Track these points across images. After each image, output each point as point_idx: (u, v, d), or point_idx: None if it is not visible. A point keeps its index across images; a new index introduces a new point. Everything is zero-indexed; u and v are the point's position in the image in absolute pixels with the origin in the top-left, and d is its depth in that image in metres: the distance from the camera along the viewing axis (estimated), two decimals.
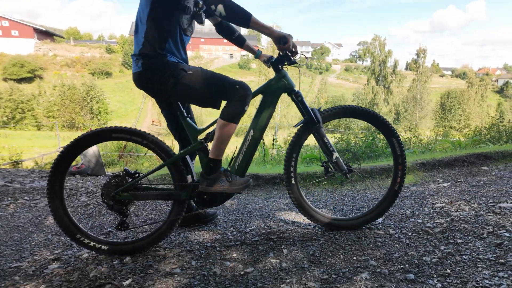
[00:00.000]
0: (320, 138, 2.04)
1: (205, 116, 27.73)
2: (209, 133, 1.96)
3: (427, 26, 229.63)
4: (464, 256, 1.70)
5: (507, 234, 1.86)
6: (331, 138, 6.86)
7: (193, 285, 1.59)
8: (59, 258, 1.92)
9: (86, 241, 1.90)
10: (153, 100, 2.25)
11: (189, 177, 2.02)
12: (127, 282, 1.63)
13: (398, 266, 1.66)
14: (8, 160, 11.65)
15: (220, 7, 1.72)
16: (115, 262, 1.83)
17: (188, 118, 1.99)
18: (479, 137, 6.53)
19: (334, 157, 2.03)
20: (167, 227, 1.95)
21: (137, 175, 1.93)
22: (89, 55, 51.66)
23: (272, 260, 1.80)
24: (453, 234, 1.95)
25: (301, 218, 2.39)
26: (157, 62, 1.79)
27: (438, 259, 1.69)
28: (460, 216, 2.19)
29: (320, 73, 67.10)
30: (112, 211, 1.92)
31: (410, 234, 2.03)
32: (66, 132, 28.90)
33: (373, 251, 1.84)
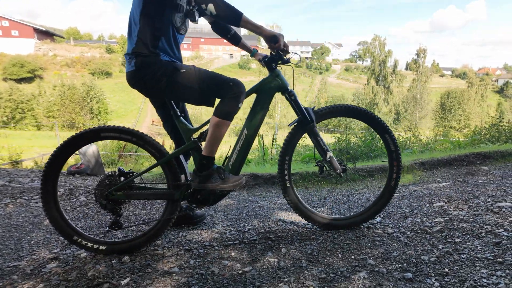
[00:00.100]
0: (313, 137, 2.04)
1: (205, 116, 27.71)
2: (203, 132, 1.96)
3: (427, 26, 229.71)
4: (462, 255, 1.70)
5: (505, 233, 1.86)
6: (330, 138, 6.85)
7: (191, 284, 1.59)
8: (57, 257, 1.92)
9: (84, 242, 1.90)
10: None
11: (183, 176, 2.02)
12: (125, 281, 1.63)
13: (396, 265, 1.66)
14: (7, 160, 11.65)
15: (211, 6, 1.72)
16: (113, 261, 1.83)
17: (181, 117, 1.99)
18: (479, 136, 6.53)
19: (327, 156, 2.03)
20: (161, 226, 1.95)
21: (130, 174, 1.93)
22: (89, 55, 51.68)
23: (270, 259, 1.80)
24: (452, 233, 1.95)
25: (299, 218, 2.39)
26: (150, 61, 1.79)
27: (436, 258, 1.69)
28: (459, 216, 2.19)
29: (320, 73, 67.11)
30: (106, 210, 1.92)
31: (408, 233, 2.03)
32: (66, 132, 28.88)
33: (371, 250, 1.84)
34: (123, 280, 1.63)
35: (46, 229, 2.37)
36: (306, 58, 74.94)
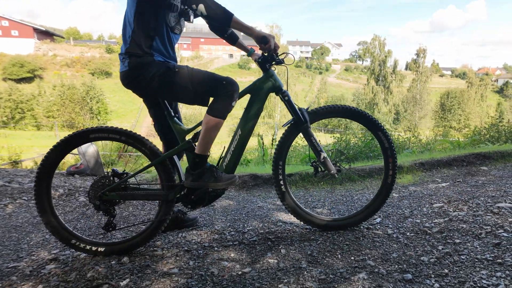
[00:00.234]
0: (308, 137, 2.04)
1: (201, 117, 27.63)
2: (197, 133, 1.95)
3: (427, 26, 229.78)
4: (462, 256, 1.70)
5: (505, 234, 1.86)
6: (330, 138, 6.85)
7: (191, 285, 1.59)
8: (56, 258, 1.92)
9: (77, 243, 1.90)
10: None
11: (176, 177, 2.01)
12: (125, 282, 1.63)
13: (396, 266, 1.66)
14: (7, 160, 11.65)
15: (201, 7, 1.72)
16: (112, 262, 1.83)
17: (175, 118, 1.99)
18: (478, 137, 6.52)
19: (321, 157, 2.03)
20: (156, 227, 1.94)
21: (124, 175, 1.93)
22: (89, 55, 51.63)
23: (270, 260, 1.80)
24: (451, 234, 1.95)
25: None
26: (143, 61, 1.79)
27: (436, 259, 1.69)
28: (459, 216, 2.19)
29: (320, 73, 67.06)
30: (99, 211, 1.91)
31: (408, 234, 2.03)
32: (65, 132, 28.87)
33: (371, 251, 1.84)
34: (122, 281, 1.63)
35: (45, 230, 2.37)
36: (306, 58, 74.91)
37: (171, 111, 1.97)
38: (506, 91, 61.23)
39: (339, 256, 1.81)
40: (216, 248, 1.98)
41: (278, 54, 1.98)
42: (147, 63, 1.79)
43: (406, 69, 68.02)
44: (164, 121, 2.04)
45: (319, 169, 2.09)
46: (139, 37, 1.78)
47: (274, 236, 2.11)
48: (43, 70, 45.50)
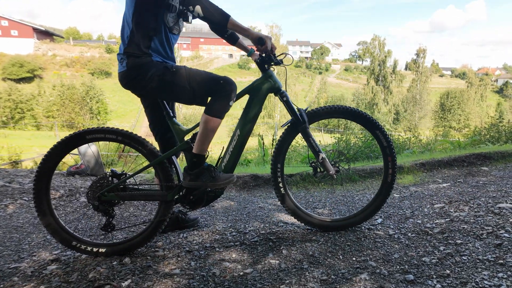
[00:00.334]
0: (306, 138, 2.04)
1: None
2: (196, 133, 1.95)
3: (426, 26, 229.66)
4: (463, 257, 1.70)
5: (506, 235, 1.86)
6: (330, 138, 6.85)
7: (192, 286, 1.59)
8: (58, 259, 1.92)
9: (78, 244, 1.90)
10: None
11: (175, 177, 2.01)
12: (126, 283, 1.62)
13: (398, 267, 1.66)
14: (7, 160, 11.64)
15: (198, 8, 1.73)
16: (114, 263, 1.83)
17: (174, 118, 1.99)
18: (479, 137, 6.53)
19: (320, 157, 2.03)
20: (155, 227, 1.94)
21: (123, 176, 1.93)
22: (88, 55, 51.61)
23: (271, 261, 1.80)
24: (453, 235, 1.95)
25: None
26: (141, 62, 1.79)
27: (437, 260, 1.69)
28: (460, 217, 2.19)
29: (320, 73, 67.05)
30: (98, 212, 1.91)
31: (409, 234, 2.03)
32: (65, 132, 28.87)
33: (372, 252, 1.84)
34: (124, 282, 1.63)
35: (46, 231, 2.36)
36: (306, 58, 74.91)
37: (170, 111, 1.98)
38: (506, 91, 61.28)
39: (340, 256, 1.81)
40: (217, 249, 1.98)
41: (276, 55, 1.98)
42: (145, 63, 1.80)
43: (406, 69, 68.03)
44: (163, 121, 2.04)
45: (318, 170, 2.10)
46: (137, 37, 1.79)
47: (276, 237, 2.11)
48: (43, 70, 45.47)
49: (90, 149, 4.33)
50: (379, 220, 2.28)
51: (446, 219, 2.18)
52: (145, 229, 1.96)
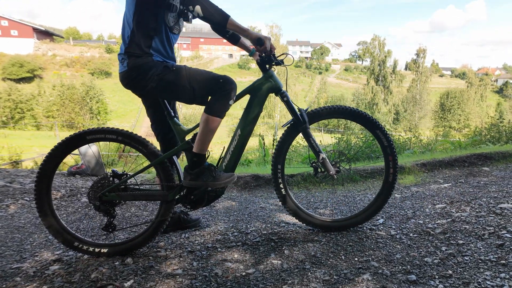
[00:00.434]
0: (307, 138, 2.04)
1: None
2: (196, 133, 1.95)
3: (426, 26, 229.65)
4: (465, 257, 1.70)
5: (508, 235, 1.86)
6: (331, 138, 6.85)
7: (195, 286, 1.59)
8: (60, 259, 1.92)
9: (80, 245, 1.90)
10: None
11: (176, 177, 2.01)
12: (129, 283, 1.63)
13: (400, 267, 1.66)
14: (7, 160, 11.64)
15: (198, 8, 1.73)
16: (116, 263, 1.83)
17: (175, 118, 1.99)
18: (479, 137, 6.53)
19: (320, 157, 2.03)
20: (156, 227, 1.94)
21: (124, 176, 1.93)
22: (88, 55, 51.61)
23: (273, 261, 1.80)
24: (454, 235, 1.95)
25: None
26: (142, 61, 1.80)
27: (439, 260, 1.69)
28: (461, 217, 2.19)
29: (320, 73, 67.06)
30: (99, 212, 1.91)
31: (411, 235, 2.03)
32: (65, 132, 28.86)
33: (374, 252, 1.84)
34: (126, 282, 1.63)
35: (47, 231, 2.36)
36: (306, 58, 74.93)
37: (171, 111, 1.98)
38: (505, 91, 61.29)
39: (342, 257, 1.81)
40: (219, 249, 1.98)
41: (276, 55, 1.98)
42: (146, 63, 1.80)
43: (405, 69, 68.04)
44: (164, 121, 2.05)
45: (319, 170, 2.10)
46: (138, 37, 1.79)
47: (277, 237, 2.11)
48: (43, 70, 45.47)
49: (91, 149, 4.33)
50: (381, 221, 2.29)
51: (448, 220, 2.19)
52: (146, 229, 1.96)
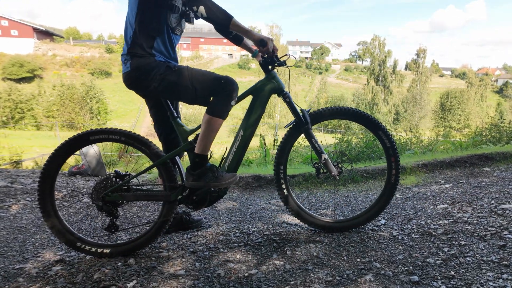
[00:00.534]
0: (309, 139, 2.05)
1: None
2: (199, 134, 1.96)
3: (426, 26, 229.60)
4: (467, 258, 1.70)
5: (510, 236, 1.86)
6: (332, 139, 6.85)
7: (197, 287, 1.59)
8: (62, 259, 1.92)
9: (82, 245, 1.91)
10: None
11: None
12: (131, 284, 1.63)
13: (402, 268, 1.67)
14: (8, 160, 11.64)
15: (201, 9, 1.74)
16: (118, 264, 1.83)
17: (178, 119, 2.00)
18: (480, 137, 6.53)
19: (322, 158, 2.03)
20: (159, 227, 1.94)
21: (126, 176, 1.94)
22: (88, 55, 51.61)
23: (276, 262, 1.80)
24: (456, 236, 1.96)
25: None
26: (145, 62, 1.80)
27: (442, 261, 1.69)
28: (463, 218, 2.19)
29: (320, 73, 67.05)
30: (102, 212, 1.92)
31: (413, 235, 2.03)
32: (65, 132, 28.87)
33: (376, 253, 1.84)
34: (129, 283, 1.63)
35: (50, 231, 2.37)
36: (306, 58, 74.91)
37: (174, 111, 1.98)
38: (505, 91, 61.29)
39: (345, 258, 1.82)
40: (221, 250, 1.98)
41: (278, 56, 1.98)
42: (148, 63, 1.81)
43: (406, 69, 68.05)
44: (167, 122, 2.05)
45: (321, 171, 2.10)
46: (140, 38, 1.80)
47: (280, 238, 2.11)
48: (43, 70, 45.47)
49: (92, 149, 4.33)
50: (383, 221, 2.29)
51: (450, 220, 2.19)
52: (148, 229, 1.96)
